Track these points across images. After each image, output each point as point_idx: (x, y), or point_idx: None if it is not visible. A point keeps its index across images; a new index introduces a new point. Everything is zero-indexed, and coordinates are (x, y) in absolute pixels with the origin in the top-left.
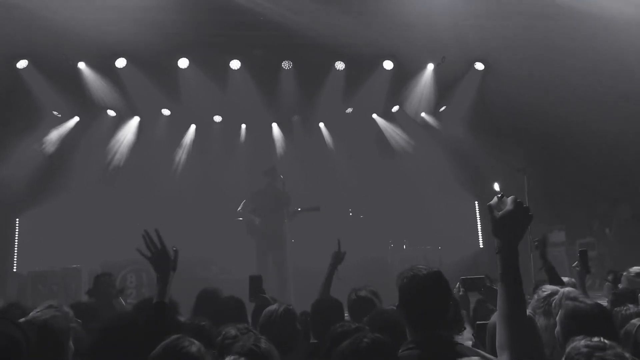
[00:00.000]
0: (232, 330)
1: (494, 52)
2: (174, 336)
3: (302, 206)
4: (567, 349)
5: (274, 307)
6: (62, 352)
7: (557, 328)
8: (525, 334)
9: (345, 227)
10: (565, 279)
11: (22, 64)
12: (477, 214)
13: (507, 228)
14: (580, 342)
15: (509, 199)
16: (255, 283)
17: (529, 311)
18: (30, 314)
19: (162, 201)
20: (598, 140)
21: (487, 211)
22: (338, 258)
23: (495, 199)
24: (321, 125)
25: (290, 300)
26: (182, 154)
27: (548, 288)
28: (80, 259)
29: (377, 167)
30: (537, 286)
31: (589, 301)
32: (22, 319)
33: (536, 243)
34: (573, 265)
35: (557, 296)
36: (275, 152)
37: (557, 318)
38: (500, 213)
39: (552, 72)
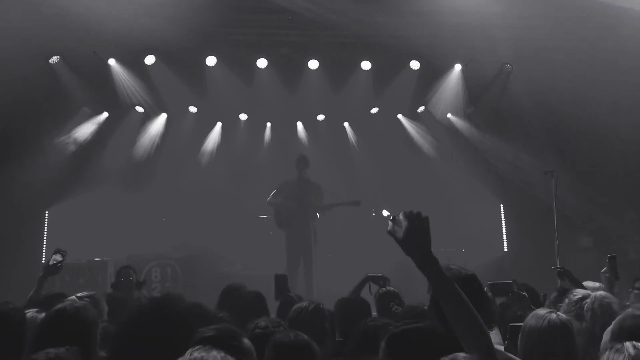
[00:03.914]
0: (262, 322)
1: (523, 53)
2: None
3: (341, 200)
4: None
5: (304, 303)
6: (89, 342)
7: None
8: (481, 330)
9: (368, 228)
10: (585, 283)
11: (54, 59)
12: (502, 217)
13: (414, 243)
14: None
15: (401, 216)
16: (281, 281)
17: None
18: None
19: (188, 197)
20: (629, 144)
21: (391, 237)
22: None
23: (389, 224)
24: (346, 124)
25: (313, 297)
26: (207, 151)
27: (579, 292)
28: (107, 252)
29: (402, 167)
30: (561, 292)
31: None
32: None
33: (559, 271)
34: (602, 271)
35: (588, 300)
36: (299, 151)
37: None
38: (401, 234)
39: (582, 74)
